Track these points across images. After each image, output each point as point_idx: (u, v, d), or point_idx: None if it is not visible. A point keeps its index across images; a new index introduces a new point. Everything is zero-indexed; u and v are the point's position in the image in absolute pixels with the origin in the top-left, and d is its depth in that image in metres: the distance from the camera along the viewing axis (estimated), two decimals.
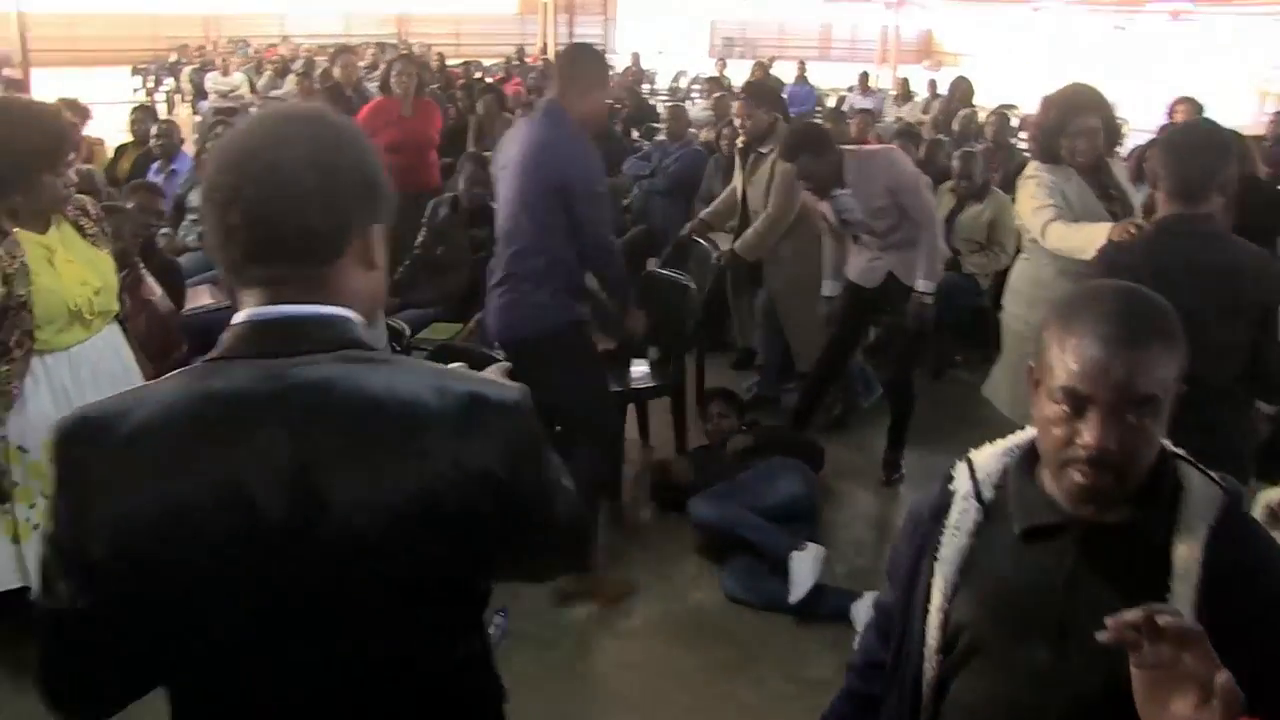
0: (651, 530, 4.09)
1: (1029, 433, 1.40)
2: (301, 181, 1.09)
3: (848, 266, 4.44)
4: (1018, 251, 4.03)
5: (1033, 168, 3.51)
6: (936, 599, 1.39)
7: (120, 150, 6.59)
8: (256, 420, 1.07)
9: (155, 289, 3.48)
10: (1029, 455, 1.38)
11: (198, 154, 5.84)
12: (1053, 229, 3.27)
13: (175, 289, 3.94)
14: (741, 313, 5.58)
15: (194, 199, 5.60)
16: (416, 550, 1.11)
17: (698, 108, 12.18)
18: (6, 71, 11.46)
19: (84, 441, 1.08)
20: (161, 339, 3.32)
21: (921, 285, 4.18)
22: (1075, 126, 3.37)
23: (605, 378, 3.68)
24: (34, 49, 13.29)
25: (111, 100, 9.42)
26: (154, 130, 6.04)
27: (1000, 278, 6.00)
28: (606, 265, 3.38)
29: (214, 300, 4.53)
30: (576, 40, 29.70)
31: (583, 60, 3.36)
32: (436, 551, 1.12)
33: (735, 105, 4.84)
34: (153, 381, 1.15)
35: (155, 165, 6.01)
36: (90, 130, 6.83)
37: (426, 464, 1.09)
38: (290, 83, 11.48)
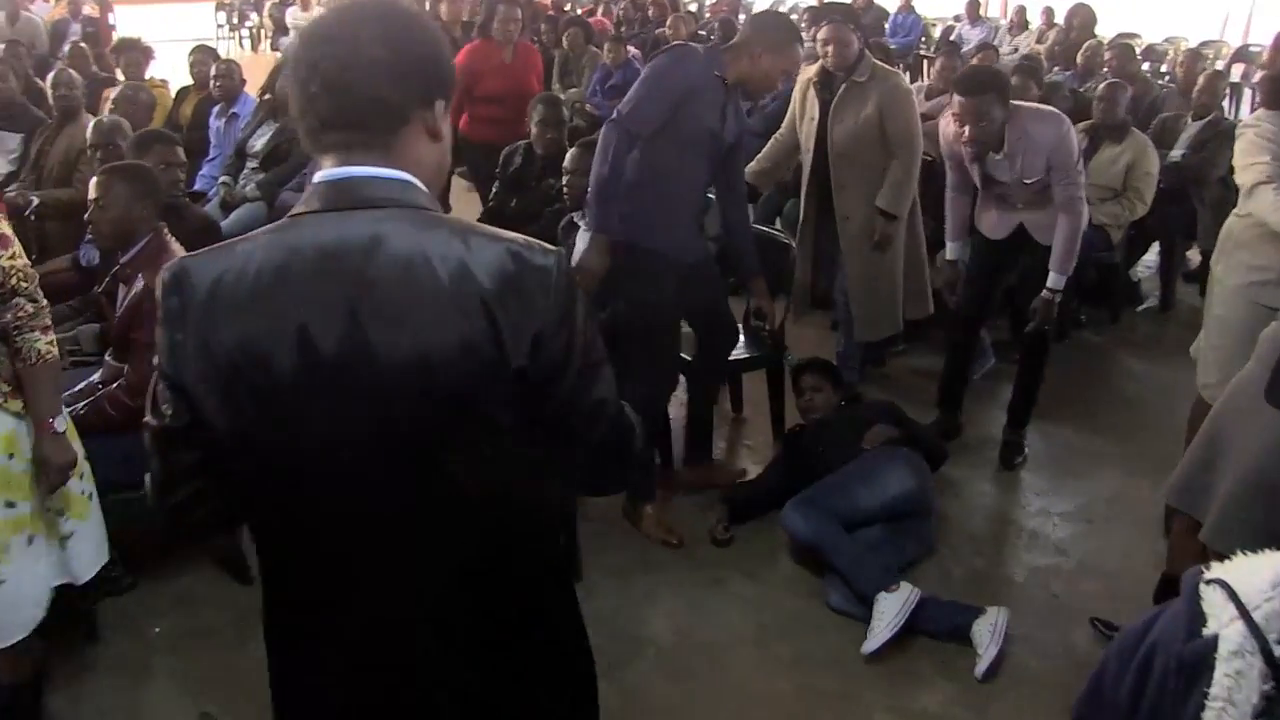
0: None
1: None
2: (373, 56, 1.22)
3: (978, 221, 3.94)
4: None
5: (1256, 115, 3.08)
6: None
7: (182, 94, 6.21)
8: (318, 270, 1.21)
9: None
10: None
11: (261, 93, 5.46)
12: (1262, 194, 2.75)
13: None
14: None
15: (256, 143, 5.27)
16: (455, 390, 1.22)
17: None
18: (86, 10, 11.26)
19: (180, 286, 1.25)
20: None
21: (1052, 279, 3.70)
22: None
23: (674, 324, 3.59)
24: None
25: (189, 38, 9.10)
26: (213, 71, 5.66)
27: (1135, 229, 5.42)
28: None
29: None
30: None
31: (768, 25, 3.43)
32: (476, 392, 1.23)
33: (820, 30, 4.14)
34: (245, 235, 1.28)
35: (216, 109, 5.67)
36: (156, 71, 6.52)
37: (465, 319, 1.20)
38: None
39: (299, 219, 1.25)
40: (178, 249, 3.00)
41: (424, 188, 1.29)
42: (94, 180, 3.01)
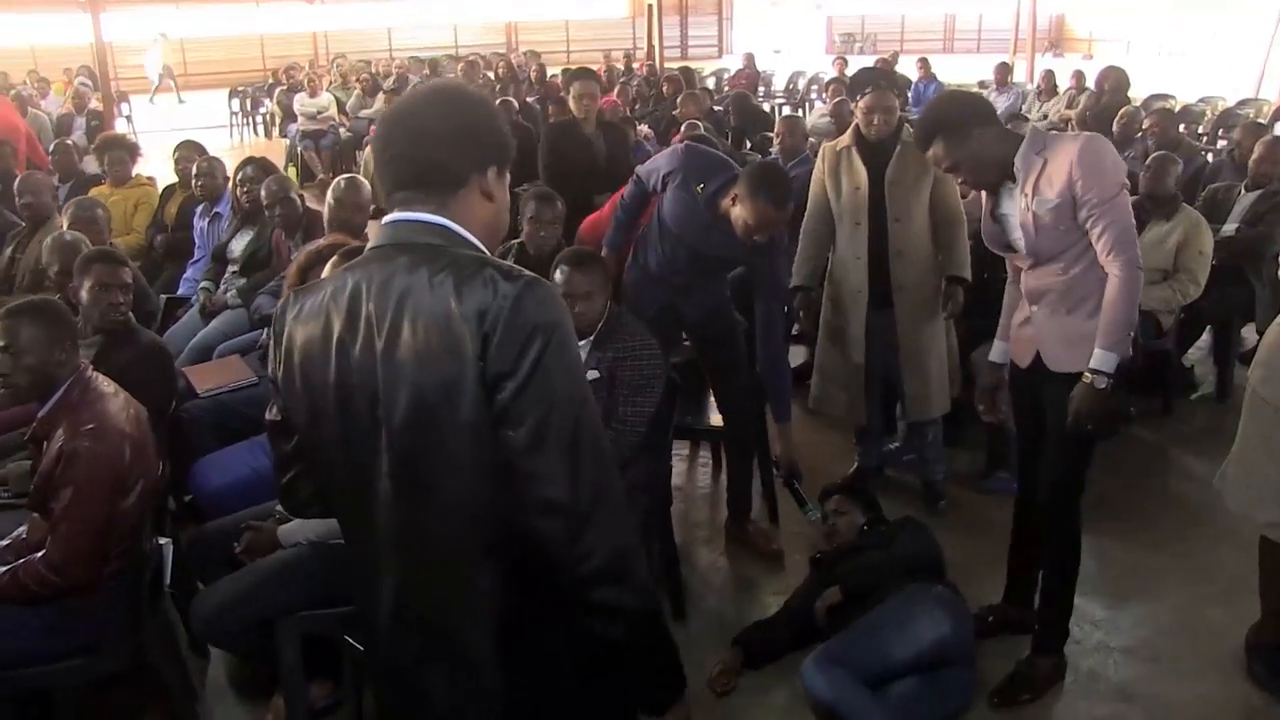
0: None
1: None
2: (434, 128, 1.51)
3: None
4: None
5: None
6: None
7: (168, 192, 5.89)
8: (358, 294, 1.50)
9: (107, 410, 2.60)
10: None
11: (234, 196, 5.14)
12: None
13: (155, 384, 3.19)
14: None
15: (235, 248, 4.97)
16: (438, 400, 1.44)
17: (816, 113, 11.18)
18: (92, 103, 11.20)
19: (281, 311, 1.62)
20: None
21: (1098, 359, 2.71)
22: None
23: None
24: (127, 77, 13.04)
25: (203, 125, 8.93)
26: (194, 169, 5.35)
27: (1186, 312, 4.98)
28: None
29: (242, 375, 3.84)
30: (691, 43, 28.94)
31: (747, 173, 3.37)
32: (461, 410, 1.43)
33: (865, 98, 3.83)
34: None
35: (199, 209, 5.36)
36: (145, 168, 6.27)
37: (451, 359, 1.42)
38: (380, 101, 10.95)
39: (362, 256, 1.55)
40: (105, 387, 2.64)
41: (466, 234, 1.52)
42: None
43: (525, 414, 1.39)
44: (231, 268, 4.89)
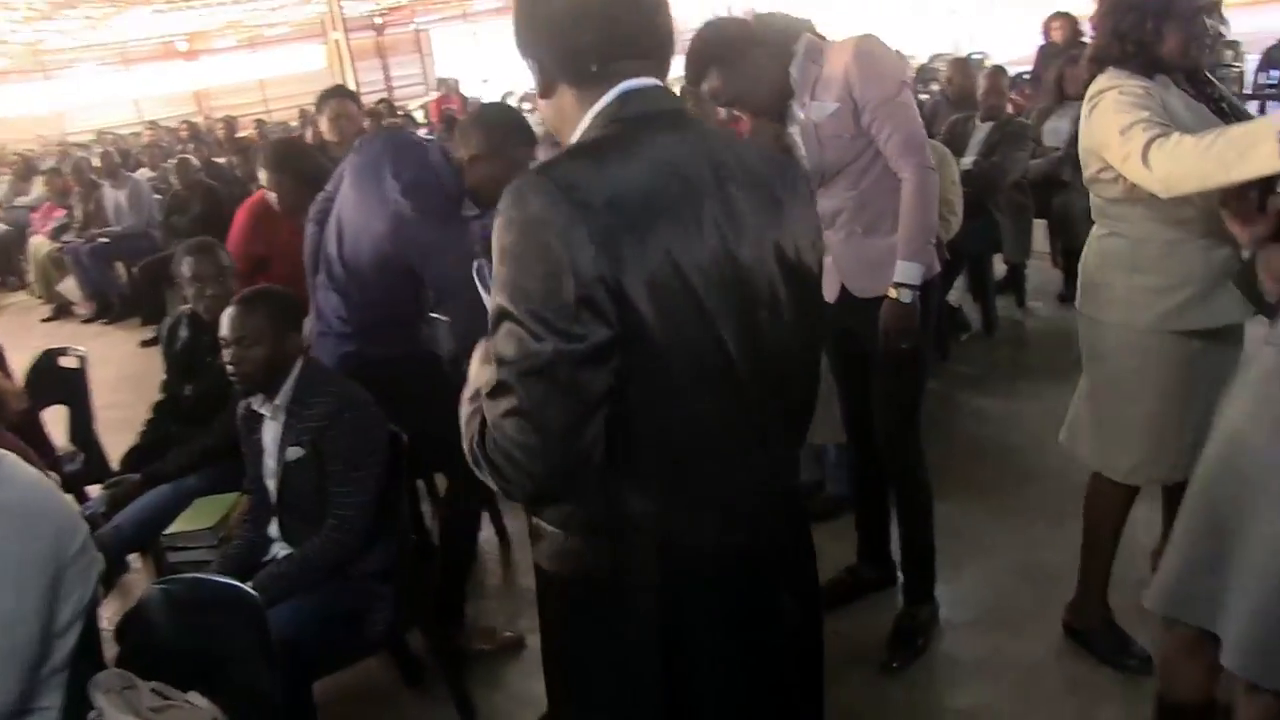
0: None
1: None
2: None
3: None
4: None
5: (1105, 77, 2.28)
6: None
7: None
8: None
9: None
10: None
11: None
12: (1166, 147, 2.02)
13: None
14: None
15: None
16: None
17: (534, 119, 10.75)
18: None
19: None
20: None
21: (901, 271, 2.50)
22: (1182, 6, 2.20)
23: None
24: None
25: None
26: None
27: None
28: None
29: None
30: (394, 83, 28.04)
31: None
32: None
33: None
34: None
35: None
36: None
37: None
38: (39, 185, 9.62)
39: None
40: None
41: None
42: None
43: None
44: None
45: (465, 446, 1.25)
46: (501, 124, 2.70)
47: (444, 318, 3.22)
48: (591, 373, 1.16)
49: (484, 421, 1.21)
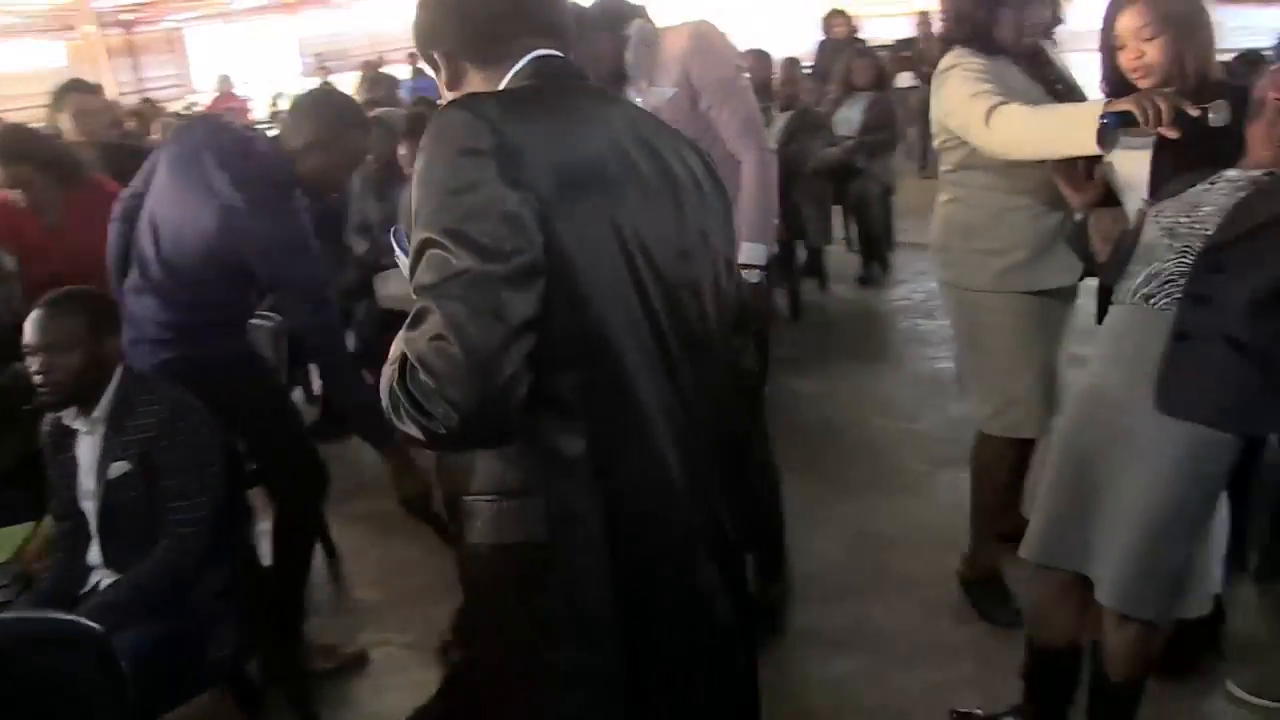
0: None
1: None
2: None
3: None
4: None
5: (952, 56, 2.41)
6: None
7: None
8: None
9: None
10: None
11: None
12: (1005, 113, 2.18)
13: None
14: None
15: None
16: None
17: None
18: None
19: None
20: None
21: (746, 253, 2.53)
22: None
23: None
24: None
25: None
26: None
27: None
28: None
29: None
30: (148, 84, 26.39)
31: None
32: None
33: None
34: None
35: None
36: None
37: None
38: None
39: None
40: None
41: None
42: None
43: None
44: None
45: (384, 396, 1.16)
46: (333, 109, 2.57)
47: (271, 319, 3.03)
48: (512, 293, 1.12)
49: (404, 361, 1.13)
